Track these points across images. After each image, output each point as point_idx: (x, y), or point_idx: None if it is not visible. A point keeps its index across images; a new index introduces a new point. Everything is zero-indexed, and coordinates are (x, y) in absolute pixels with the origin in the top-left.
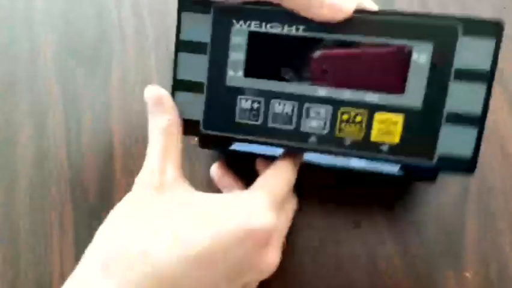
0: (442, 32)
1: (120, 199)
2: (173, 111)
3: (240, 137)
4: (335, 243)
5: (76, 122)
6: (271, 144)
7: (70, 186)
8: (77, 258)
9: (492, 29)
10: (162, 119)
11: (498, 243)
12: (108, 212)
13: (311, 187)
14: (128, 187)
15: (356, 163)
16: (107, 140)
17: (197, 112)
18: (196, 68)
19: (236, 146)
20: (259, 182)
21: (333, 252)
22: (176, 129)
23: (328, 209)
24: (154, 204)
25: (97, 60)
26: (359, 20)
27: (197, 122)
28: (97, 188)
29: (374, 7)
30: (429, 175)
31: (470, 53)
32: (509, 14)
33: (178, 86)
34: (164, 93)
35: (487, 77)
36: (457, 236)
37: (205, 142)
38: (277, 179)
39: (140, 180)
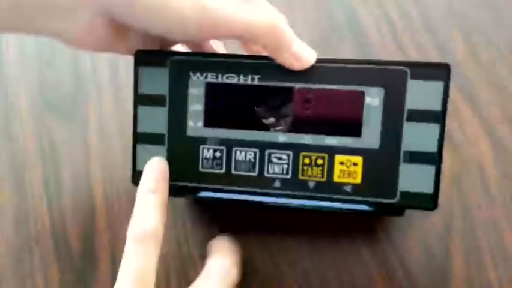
0: (392, 77)
1: (105, 254)
2: None
3: (205, 186)
4: (319, 271)
5: (55, 178)
6: (237, 192)
7: (54, 247)
8: None
9: (440, 72)
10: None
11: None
12: (94, 271)
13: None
14: (112, 240)
15: (325, 203)
16: (88, 195)
17: None
18: (156, 120)
19: (203, 194)
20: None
21: (318, 282)
22: None
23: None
24: None
25: (73, 113)
26: (314, 68)
27: None
28: (81, 246)
29: None
30: (396, 210)
31: (421, 95)
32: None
33: (139, 138)
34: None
35: (439, 117)
36: (442, 262)
37: (172, 191)
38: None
39: None
